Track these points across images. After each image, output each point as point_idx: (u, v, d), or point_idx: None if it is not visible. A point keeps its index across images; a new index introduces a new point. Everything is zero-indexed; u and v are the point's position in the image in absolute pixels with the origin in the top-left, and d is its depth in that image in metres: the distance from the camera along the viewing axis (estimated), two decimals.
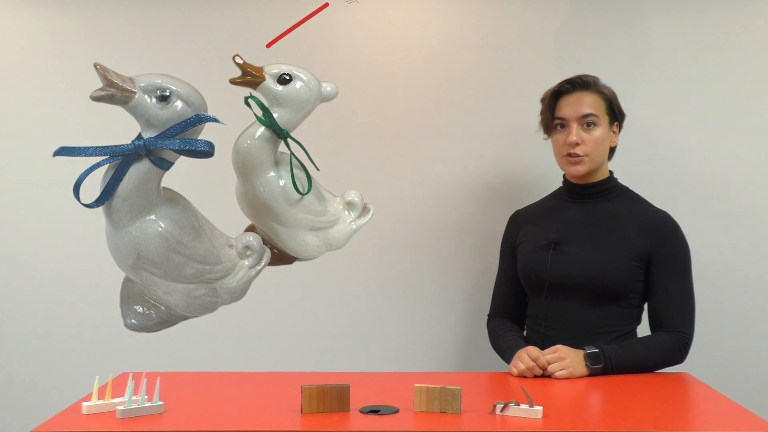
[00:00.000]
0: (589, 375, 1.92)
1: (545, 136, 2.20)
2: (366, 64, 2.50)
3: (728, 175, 2.47)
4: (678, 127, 2.47)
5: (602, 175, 2.15)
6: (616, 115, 2.14)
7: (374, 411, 1.56)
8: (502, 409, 1.55)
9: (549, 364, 1.90)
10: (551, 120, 2.14)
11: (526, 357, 1.92)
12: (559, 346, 1.93)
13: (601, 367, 1.92)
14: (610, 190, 2.15)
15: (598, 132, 2.09)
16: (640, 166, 2.43)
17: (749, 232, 2.47)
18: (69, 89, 2.48)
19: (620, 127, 2.18)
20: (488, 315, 2.28)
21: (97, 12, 2.48)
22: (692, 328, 2.05)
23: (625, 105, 2.19)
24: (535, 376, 1.90)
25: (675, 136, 2.47)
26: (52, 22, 2.48)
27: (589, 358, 1.92)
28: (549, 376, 1.90)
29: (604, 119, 2.10)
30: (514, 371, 1.93)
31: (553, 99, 2.14)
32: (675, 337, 2.01)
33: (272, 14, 2.48)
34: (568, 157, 2.10)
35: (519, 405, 1.54)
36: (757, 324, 2.48)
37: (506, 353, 2.08)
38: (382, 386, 1.79)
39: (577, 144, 2.08)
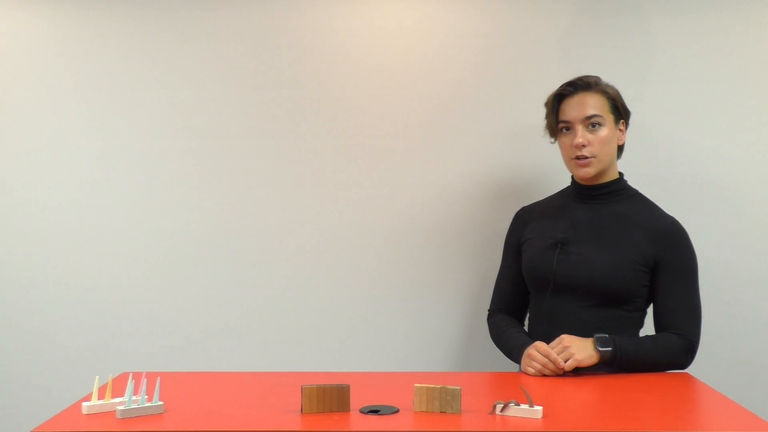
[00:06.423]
0: (600, 362, 1.92)
1: (552, 139, 2.19)
2: (371, 66, 2.49)
3: (734, 175, 2.47)
4: (684, 128, 2.47)
5: (611, 176, 2.14)
6: (620, 113, 2.13)
7: (374, 411, 1.56)
8: (502, 409, 1.55)
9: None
10: (556, 123, 2.13)
11: (538, 355, 1.93)
12: (563, 336, 1.94)
13: (610, 351, 1.92)
14: (618, 192, 2.14)
15: (603, 132, 2.08)
16: (645, 166, 2.42)
17: (751, 231, 2.47)
18: (69, 90, 2.48)
19: (626, 124, 2.16)
20: (488, 310, 2.27)
21: (99, 12, 2.48)
22: (698, 334, 2.05)
23: (630, 106, 2.18)
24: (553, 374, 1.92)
25: (681, 136, 2.47)
26: (53, 22, 2.48)
27: (599, 342, 1.93)
28: (563, 371, 1.90)
29: (608, 118, 2.09)
30: (531, 371, 1.94)
31: (556, 102, 2.13)
32: (683, 341, 2.02)
33: (275, 14, 2.48)
34: (576, 159, 2.09)
35: (519, 405, 1.54)
36: (757, 324, 2.48)
37: (513, 352, 2.08)
38: (382, 386, 1.79)
39: (584, 146, 2.07)
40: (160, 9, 2.48)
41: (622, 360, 1.94)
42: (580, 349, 1.92)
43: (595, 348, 1.93)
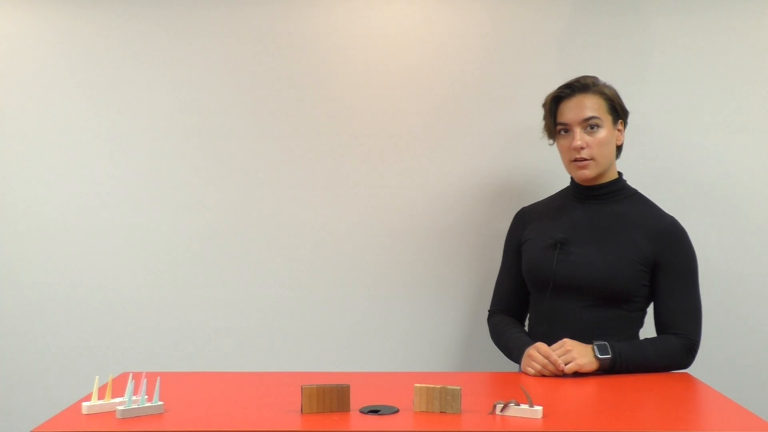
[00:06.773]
0: (599, 369, 1.92)
1: (550, 141, 2.19)
2: (371, 66, 2.49)
3: (734, 175, 2.47)
4: (684, 128, 2.47)
5: (610, 177, 2.14)
6: (618, 113, 2.13)
7: (374, 411, 1.56)
8: (502, 409, 1.55)
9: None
10: (554, 126, 2.13)
11: (538, 355, 1.93)
12: (565, 340, 1.94)
13: (610, 358, 1.92)
14: (618, 192, 2.14)
15: (601, 134, 2.08)
16: (645, 166, 2.43)
17: (751, 231, 2.47)
18: (69, 89, 2.48)
19: (625, 124, 2.16)
20: (489, 311, 2.27)
21: (100, 12, 2.48)
22: (699, 333, 2.05)
23: (630, 106, 2.18)
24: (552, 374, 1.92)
25: (681, 136, 2.47)
26: (53, 22, 2.48)
27: (598, 349, 1.92)
28: (562, 373, 1.90)
29: (606, 119, 2.09)
30: (531, 371, 1.94)
31: (553, 104, 2.13)
32: (683, 341, 2.02)
33: (276, 15, 2.48)
34: (575, 162, 2.09)
35: (519, 405, 1.54)
36: (757, 324, 2.48)
37: (513, 352, 2.08)
38: (382, 386, 1.79)
39: (582, 148, 2.07)
40: (160, 9, 2.48)
41: (622, 366, 1.93)
42: (581, 354, 1.91)
43: (595, 356, 1.93)
